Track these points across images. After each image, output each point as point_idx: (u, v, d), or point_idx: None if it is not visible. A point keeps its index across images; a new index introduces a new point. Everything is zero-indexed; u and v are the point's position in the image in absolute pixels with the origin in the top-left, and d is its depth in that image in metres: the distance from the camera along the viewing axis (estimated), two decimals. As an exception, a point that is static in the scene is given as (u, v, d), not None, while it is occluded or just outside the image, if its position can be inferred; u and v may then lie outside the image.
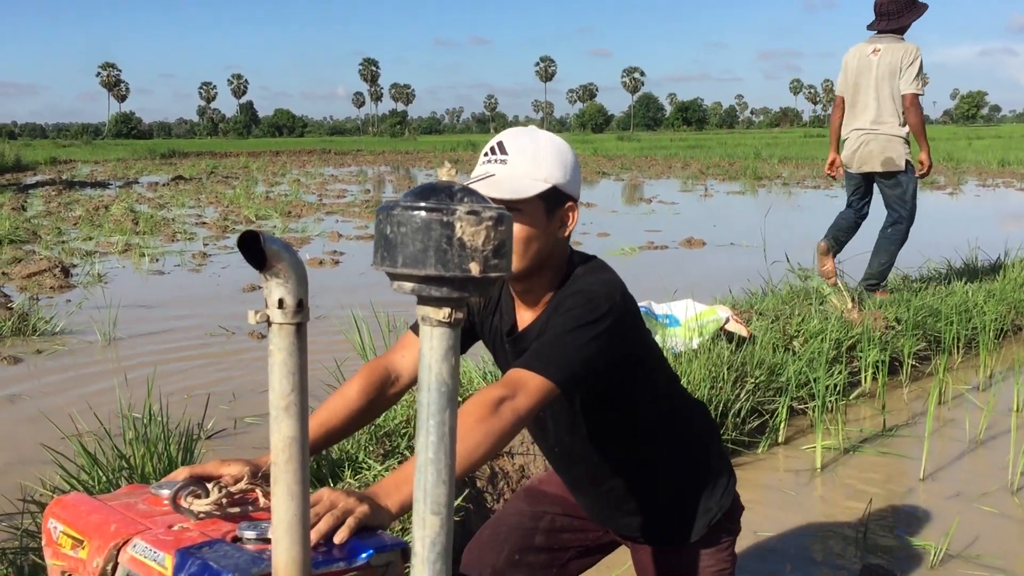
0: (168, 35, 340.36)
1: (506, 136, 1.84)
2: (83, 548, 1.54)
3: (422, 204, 0.98)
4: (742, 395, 4.33)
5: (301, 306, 1.19)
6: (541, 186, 1.77)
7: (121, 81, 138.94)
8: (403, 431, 3.51)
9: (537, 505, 2.19)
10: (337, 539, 1.38)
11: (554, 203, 1.80)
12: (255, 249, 1.12)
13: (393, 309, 5.58)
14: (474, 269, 0.98)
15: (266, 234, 1.12)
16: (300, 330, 1.19)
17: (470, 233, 0.99)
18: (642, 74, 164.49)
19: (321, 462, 3.19)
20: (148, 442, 3.09)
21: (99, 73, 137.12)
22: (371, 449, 3.38)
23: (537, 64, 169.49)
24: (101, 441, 3.16)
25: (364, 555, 1.37)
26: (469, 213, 0.98)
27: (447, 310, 1.00)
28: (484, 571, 2.12)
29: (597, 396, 1.89)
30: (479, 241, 0.99)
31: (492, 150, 1.83)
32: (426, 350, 1.01)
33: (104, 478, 2.95)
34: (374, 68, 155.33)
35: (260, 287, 5.49)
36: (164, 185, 24.97)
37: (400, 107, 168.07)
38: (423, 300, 1.01)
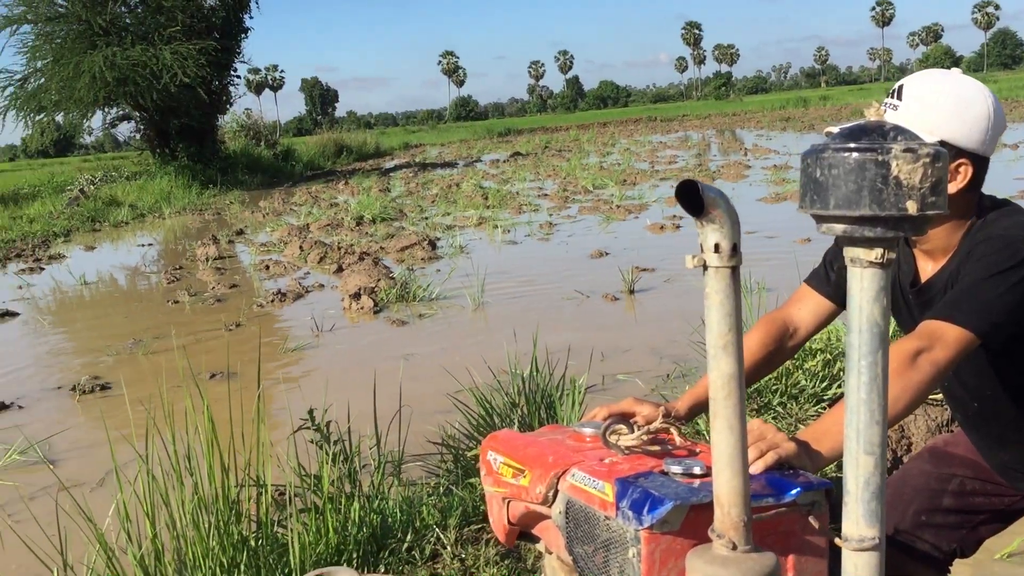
0: (499, 19, 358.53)
1: (909, 80, 1.76)
2: (524, 476, 1.73)
3: (853, 145, 0.99)
4: None
5: (735, 250, 1.23)
6: (925, 139, 1.69)
7: (459, 67, 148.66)
8: (773, 387, 3.50)
9: (945, 467, 2.09)
10: (753, 470, 1.42)
11: None
12: (692, 196, 1.19)
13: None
14: (911, 207, 0.97)
15: (703, 183, 1.19)
16: (735, 273, 1.23)
17: (906, 171, 0.98)
18: (997, 7, 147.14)
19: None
20: (535, 394, 3.35)
21: (440, 61, 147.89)
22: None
23: (873, 8, 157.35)
24: (494, 392, 3.47)
25: (792, 492, 1.41)
26: (905, 151, 0.98)
27: (879, 251, 1.00)
28: (886, 530, 2.07)
29: (1015, 347, 1.77)
30: (916, 179, 0.98)
31: (891, 93, 1.77)
32: (855, 291, 1.02)
33: (500, 425, 3.24)
34: (696, 31, 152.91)
35: (607, 254, 5.71)
36: (504, 162, 26.49)
37: (724, 68, 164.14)
38: (853, 241, 1.01)
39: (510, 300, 7.06)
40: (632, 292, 6.85)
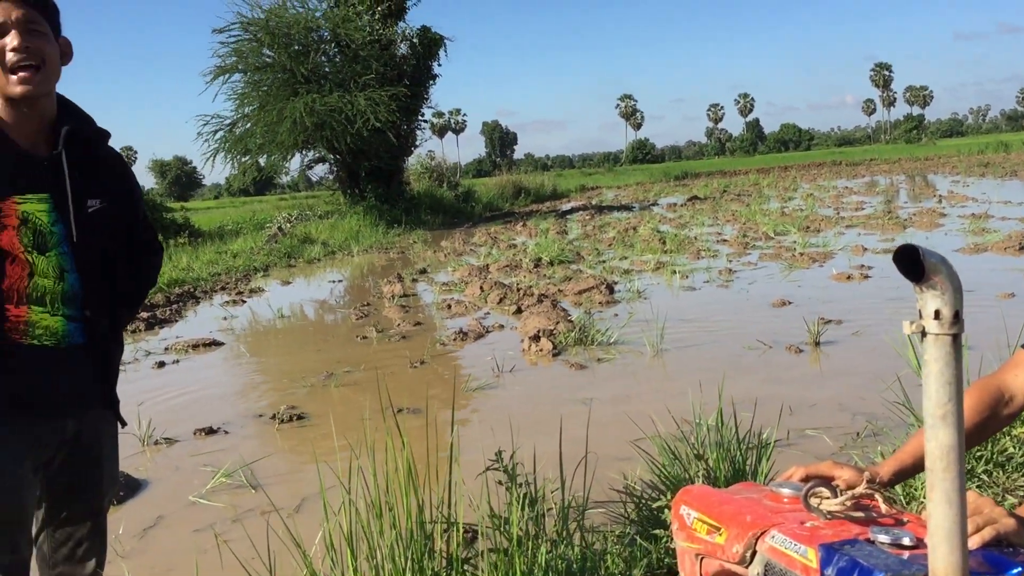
0: (678, 63, 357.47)
1: None
2: (720, 534, 1.72)
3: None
4: None
5: (957, 317, 1.21)
6: None
7: (637, 110, 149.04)
8: (978, 454, 3.31)
9: None
10: (970, 545, 1.37)
11: None
12: (912, 261, 1.18)
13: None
14: None
15: (924, 248, 1.17)
16: (956, 341, 1.20)
17: None
18: None
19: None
20: (720, 446, 3.30)
21: (618, 105, 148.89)
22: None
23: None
24: (677, 442, 3.45)
25: (1013, 571, 1.35)
26: None
27: None
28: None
29: None
30: None
31: None
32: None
33: (685, 475, 3.22)
34: (887, 72, 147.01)
35: (789, 303, 5.55)
36: (681, 205, 26.29)
37: (915, 111, 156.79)
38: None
39: (689, 347, 6.98)
40: (818, 344, 6.63)
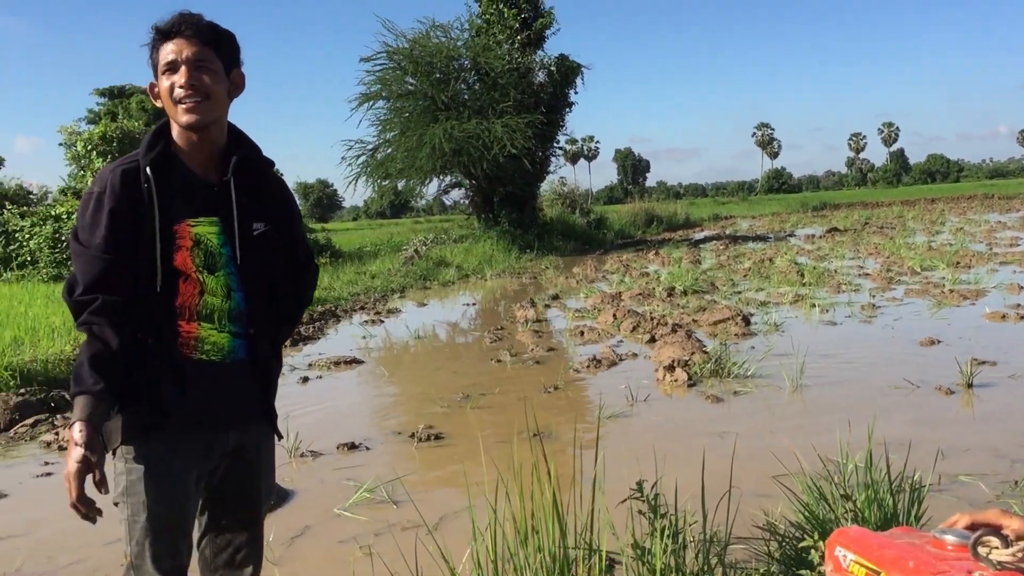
0: (818, 91, 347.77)
1: None
2: (879, 578, 1.69)
3: None
4: None
5: None
6: None
7: (774, 139, 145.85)
8: None
9: None
10: None
11: None
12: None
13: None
14: None
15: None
16: None
17: None
18: None
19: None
20: (868, 487, 3.21)
21: (754, 133, 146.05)
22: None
23: None
24: (822, 480, 3.37)
25: None
26: None
27: None
28: None
29: None
30: None
31: None
32: None
33: (831, 516, 3.15)
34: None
35: (938, 342, 5.34)
36: (820, 237, 25.57)
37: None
38: None
39: (831, 384, 6.79)
40: (970, 386, 6.33)
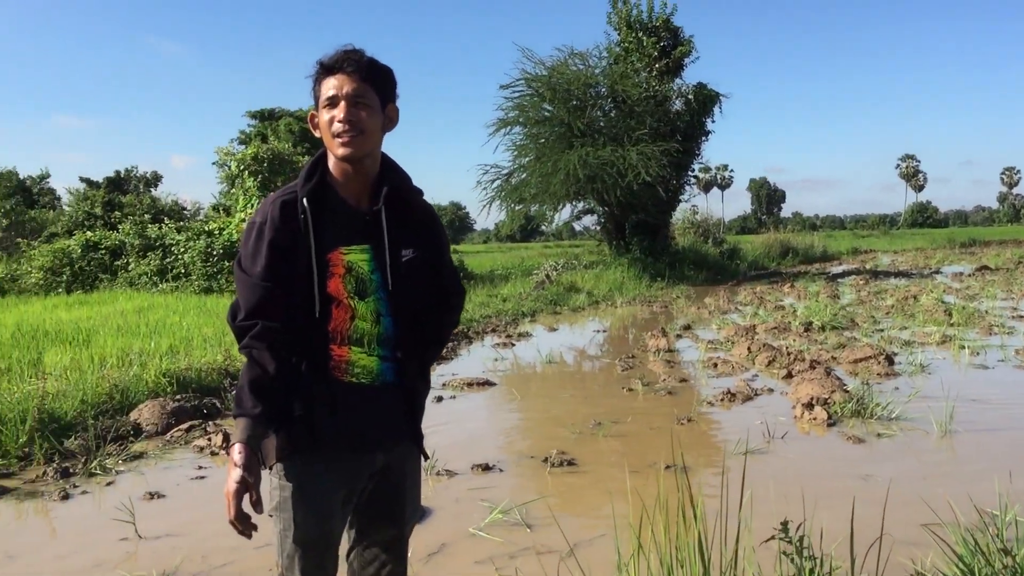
0: (970, 122, 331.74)
1: None
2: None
3: None
4: None
5: None
6: None
7: (919, 171, 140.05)
8: None
9: None
10: None
11: None
12: None
13: None
14: None
15: None
16: None
17: None
18: None
19: None
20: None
21: (898, 165, 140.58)
22: None
23: None
24: (978, 532, 3.23)
25: None
26: None
27: None
28: None
29: None
30: None
31: None
32: None
33: (988, 569, 3.01)
34: None
35: None
36: (969, 275, 24.39)
37: None
38: None
39: (983, 431, 6.47)
40: None
